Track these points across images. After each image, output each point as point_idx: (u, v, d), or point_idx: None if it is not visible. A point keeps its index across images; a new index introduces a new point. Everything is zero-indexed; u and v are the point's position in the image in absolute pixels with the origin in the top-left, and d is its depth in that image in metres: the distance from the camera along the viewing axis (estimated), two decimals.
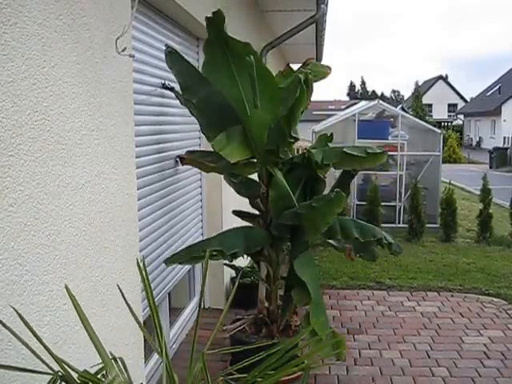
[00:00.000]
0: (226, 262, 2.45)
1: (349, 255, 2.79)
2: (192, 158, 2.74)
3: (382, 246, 2.66)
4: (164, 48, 2.67)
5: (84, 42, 1.52)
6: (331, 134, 2.82)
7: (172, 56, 2.51)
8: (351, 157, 2.43)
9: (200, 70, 2.61)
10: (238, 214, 2.83)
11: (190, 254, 2.32)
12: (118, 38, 1.70)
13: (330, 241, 3.12)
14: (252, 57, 2.22)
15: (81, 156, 1.51)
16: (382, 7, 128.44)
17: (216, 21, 2.28)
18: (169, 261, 2.32)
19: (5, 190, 1.17)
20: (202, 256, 2.25)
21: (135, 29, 2.16)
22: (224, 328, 2.69)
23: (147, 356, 2.23)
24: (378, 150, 2.48)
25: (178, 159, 2.79)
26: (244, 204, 2.88)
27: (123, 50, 1.71)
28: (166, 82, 2.63)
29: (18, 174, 1.22)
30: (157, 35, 2.56)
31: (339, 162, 2.51)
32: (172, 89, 2.63)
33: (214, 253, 2.24)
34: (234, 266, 2.92)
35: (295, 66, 3.10)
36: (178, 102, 2.87)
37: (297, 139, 2.49)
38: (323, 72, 2.89)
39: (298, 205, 2.45)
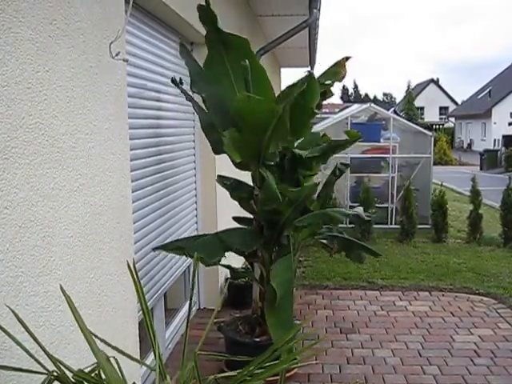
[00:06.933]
0: (222, 262, 2.51)
1: (330, 252, 3.09)
2: None
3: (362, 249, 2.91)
4: (158, 51, 2.70)
5: (78, 46, 1.54)
6: (324, 134, 2.91)
7: (183, 49, 2.61)
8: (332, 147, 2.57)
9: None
10: (238, 220, 2.87)
11: (176, 244, 2.48)
12: (111, 43, 1.72)
13: (324, 241, 3.20)
14: (247, 61, 2.26)
15: (75, 159, 1.53)
16: (377, 10, 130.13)
17: (208, 18, 2.29)
18: (157, 248, 2.47)
19: (0, 193, 1.19)
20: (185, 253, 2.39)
21: (129, 33, 2.18)
22: (216, 321, 2.73)
23: (143, 356, 2.24)
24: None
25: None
26: (237, 205, 2.91)
27: (117, 55, 1.74)
28: (175, 78, 2.66)
29: (13, 177, 1.24)
30: (150, 39, 2.58)
31: (320, 156, 2.63)
32: (180, 84, 2.65)
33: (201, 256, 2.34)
34: (229, 266, 2.95)
35: (288, 70, 3.12)
36: (172, 105, 2.90)
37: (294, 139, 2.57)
38: (338, 73, 2.71)
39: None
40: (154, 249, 2.45)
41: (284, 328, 2.16)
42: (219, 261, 2.44)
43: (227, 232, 2.62)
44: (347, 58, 2.76)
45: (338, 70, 2.73)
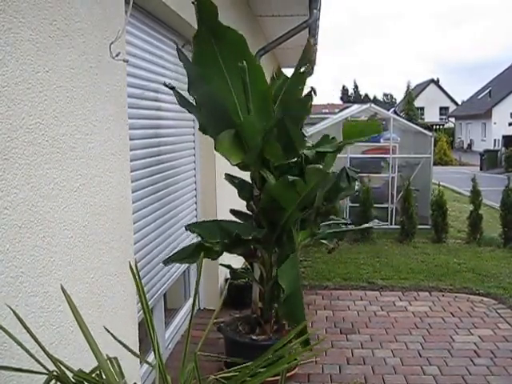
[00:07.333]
0: (222, 262, 2.51)
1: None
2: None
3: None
4: (158, 51, 2.70)
5: (78, 47, 1.55)
6: (334, 137, 2.94)
7: (182, 54, 2.56)
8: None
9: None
10: (234, 213, 2.87)
11: (186, 252, 2.43)
12: (111, 43, 1.72)
13: (324, 241, 3.21)
14: (244, 62, 2.25)
15: (75, 159, 1.53)
16: (377, 10, 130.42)
17: (207, 12, 2.18)
18: (167, 260, 2.42)
19: (0, 193, 1.19)
20: (198, 250, 2.36)
21: (129, 33, 2.18)
22: (216, 321, 2.73)
23: (142, 357, 2.24)
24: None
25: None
26: (238, 207, 2.91)
27: (117, 55, 1.74)
28: (167, 82, 2.65)
29: (13, 177, 1.24)
30: (150, 39, 2.58)
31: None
32: (173, 88, 2.65)
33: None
34: (229, 266, 2.95)
35: (289, 71, 3.12)
36: (172, 105, 2.90)
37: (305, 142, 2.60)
38: (308, 57, 2.85)
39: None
40: (165, 262, 2.41)
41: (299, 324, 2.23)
42: (219, 253, 2.41)
43: (228, 222, 2.63)
44: (309, 41, 2.87)
45: (306, 56, 2.76)
